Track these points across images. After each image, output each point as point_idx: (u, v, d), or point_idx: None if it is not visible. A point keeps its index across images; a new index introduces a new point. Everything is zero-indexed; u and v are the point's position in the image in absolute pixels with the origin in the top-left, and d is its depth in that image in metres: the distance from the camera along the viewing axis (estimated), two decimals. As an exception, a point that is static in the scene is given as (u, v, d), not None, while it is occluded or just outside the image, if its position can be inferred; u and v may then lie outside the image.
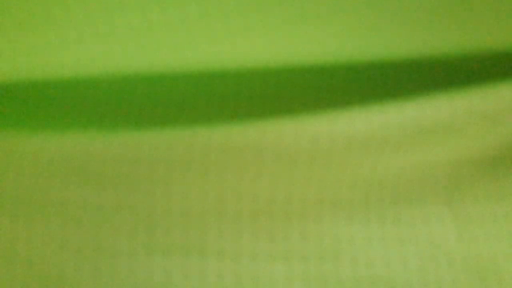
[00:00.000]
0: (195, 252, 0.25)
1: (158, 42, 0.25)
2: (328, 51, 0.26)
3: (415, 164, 0.27)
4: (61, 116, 0.28)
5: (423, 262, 0.26)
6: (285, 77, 0.29)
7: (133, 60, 0.26)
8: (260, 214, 0.26)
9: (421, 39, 0.26)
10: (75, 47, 0.25)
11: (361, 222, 0.26)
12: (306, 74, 0.29)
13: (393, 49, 0.26)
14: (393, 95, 0.26)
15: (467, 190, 0.27)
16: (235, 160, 0.25)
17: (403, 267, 0.26)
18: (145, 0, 0.25)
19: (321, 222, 0.26)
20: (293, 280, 0.25)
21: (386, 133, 0.25)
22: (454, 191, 0.27)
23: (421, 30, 0.26)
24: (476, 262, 0.26)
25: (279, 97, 0.28)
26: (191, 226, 0.26)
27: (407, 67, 0.28)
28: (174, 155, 0.25)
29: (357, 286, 0.25)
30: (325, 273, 0.26)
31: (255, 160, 0.25)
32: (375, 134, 0.25)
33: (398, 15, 0.25)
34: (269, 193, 0.26)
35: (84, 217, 0.25)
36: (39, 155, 0.25)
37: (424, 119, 0.25)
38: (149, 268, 0.25)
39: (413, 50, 0.27)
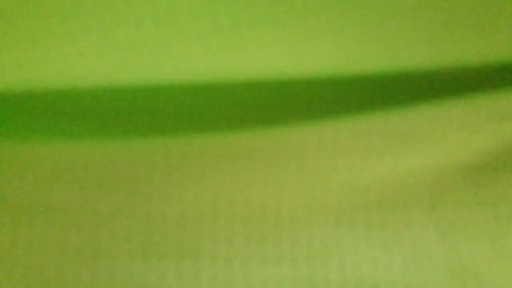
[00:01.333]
0: (190, 255, 0.26)
1: (154, 55, 0.26)
2: (318, 65, 0.27)
3: (399, 171, 0.27)
4: (61, 126, 0.28)
5: (407, 265, 0.26)
6: (277, 89, 0.29)
7: (130, 72, 0.26)
8: (252, 219, 0.26)
9: (407, 53, 0.27)
10: (74, 59, 0.25)
11: (348, 226, 0.27)
12: (297, 86, 0.29)
13: (380, 63, 0.27)
14: (379, 106, 0.27)
15: (450, 196, 0.27)
16: (228, 167, 0.26)
17: (387, 270, 0.26)
18: (141, 15, 0.25)
19: (310, 227, 0.27)
20: (283, 283, 0.26)
21: (371, 141, 0.26)
22: (437, 197, 0.27)
23: (406, 44, 0.26)
24: (457, 265, 0.26)
25: (270, 107, 0.29)
26: (186, 230, 0.26)
27: (392, 80, 0.29)
28: (170, 162, 0.26)
29: None
30: (314, 276, 0.26)
31: (247, 167, 0.26)
32: (360, 143, 0.26)
33: (384, 31, 0.26)
34: (260, 199, 0.27)
35: (83, 222, 0.26)
36: (41, 162, 0.26)
37: (407, 128, 0.26)
38: (145, 271, 0.25)
39: (398, 64, 0.27)
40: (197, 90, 0.29)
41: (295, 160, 0.26)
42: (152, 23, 0.25)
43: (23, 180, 0.26)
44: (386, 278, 0.26)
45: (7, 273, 0.25)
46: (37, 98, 0.28)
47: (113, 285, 0.25)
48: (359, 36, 0.26)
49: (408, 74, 0.28)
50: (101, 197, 0.26)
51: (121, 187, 0.26)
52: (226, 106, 0.29)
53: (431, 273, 0.26)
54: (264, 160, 0.26)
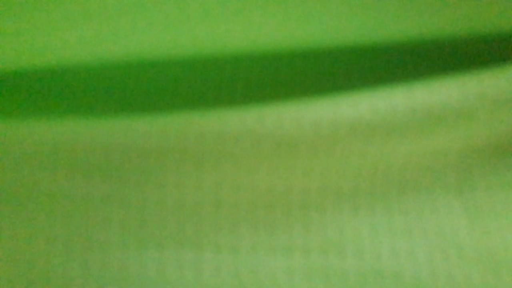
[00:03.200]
0: (190, 245, 0.25)
1: (151, 25, 0.25)
2: (330, 33, 0.26)
3: (423, 151, 0.26)
4: (46, 104, 0.27)
5: (433, 255, 0.25)
6: (285, 60, 0.28)
7: (124, 44, 0.25)
8: (259, 205, 0.26)
9: (428, 20, 0.26)
10: (62, 29, 0.24)
11: (367, 212, 0.26)
12: (307, 58, 0.28)
13: (397, 31, 0.26)
14: (399, 79, 0.26)
15: (479, 178, 0.27)
16: (232, 148, 0.25)
17: (411, 260, 0.25)
18: None
19: (324, 213, 0.26)
20: (294, 274, 0.25)
21: (393, 118, 0.25)
22: (464, 180, 0.27)
23: (428, 10, 0.25)
24: (489, 254, 0.25)
25: (278, 81, 0.28)
26: (186, 218, 0.25)
27: (413, 50, 0.28)
28: (167, 143, 0.25)
29: (362, 280, 0.25)
30: (328, 267, 0.25)
31: (254, 148, 0.25)
32: (381, 120, 0.25)
33: None
34: (268, 183, 0.26)
35: (72, 210, 0.25)
36: (23, 145, 0.25)
37: (434, 103, 0.25)
38: (142, 263, 0.25)
39: (419, 32, 0.26)
40: (196, 63, 0.28)
41: (307, 140, 0.25)
42: None
43: (2, 165, 0.25)
44: (409, 268, 0.25)
45: None
46: (21, 75, 0.27)
47: (106, 279, 0.24)
48: (376, 1, 0.25)
49: (428, 44, 0.28)
50: (91, 182, 0.25)
51: (113, 171, 0.25)
52: (230, 81, 0.28)
53: (460, 263, 0.25)
54: (272, 139, 0.25)
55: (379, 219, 0.26)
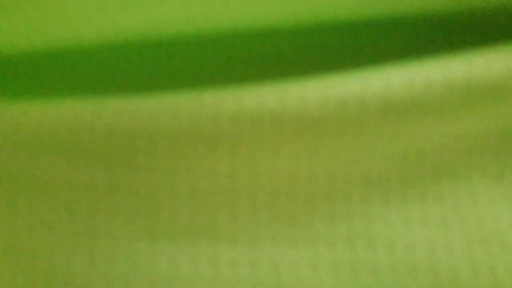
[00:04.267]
0: (205, 237, 0.25)
1: (155, 2, 0.25)
2: (340, 7, 0.26)
3: (461, 133, 0.25)
4: (48, 87, 0.27)
5: (472, 247, 0.24)
6: (304, 36, 0.28)
7: (129, 23, 0.25)
8: (280, 193, 0.25)
9: None
10: (64, 9, 0.25)
11: (398, 201, 0.25)
12: (326, 32, 0.28)
13: (408, 4, 0.26)
14: (420, 53, 0.26)
15: None
16: (250, 130, 0.24)
17: (448, 252, 0.24)
18: None
19: (351, 202, 0.25)
20: (318, 267, 0.24)
21: (428, 95, 0.24)
22: (506, 164, 0.26)
23: None
24: None
25: (295, 58, 0.28)
26: (200, 207, 0.25)
27: (434, 22, 0.28)
28: (177, 124, 0.24)
29: (394, 275, 0.24)
30: (356, 260, 0.24)
31: (274, 130, 0.24)
32: (415, 97, 0.24)
33: None
34: (290, 169, 0.25)
35: (75, 199, 0.25)
36: (19, 129, 0.25)
37: (473, 79, 0.24)
38: (152, 256, 0.24)
39: (435, 4, 0.26)
40: (203, 41, 0.28)
41: (332, 121, 0.24)
42: None
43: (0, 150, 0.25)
44: (446, 261, 0.24)
45: None
46: (20, 57, 0.27)
47: (113, 273, 0.24)
48: None
49: (449, 16, 0.27)
50: (95, 168, 0.25)
51: (119, 157, 0.25)
52: (243, 59, 0.28)
53: (503, 255, 0.24)
54: (294, 121, 0.24)
55: (412, 208, 0.25)
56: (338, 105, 0.24)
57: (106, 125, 0.24)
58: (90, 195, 0.25)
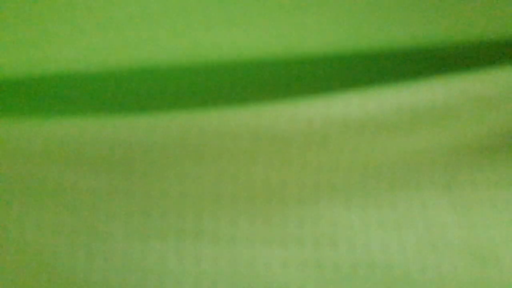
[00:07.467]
0: (191, 236, 0.25)
1: (155, 33, 0.25)
2: (323, 40, 0.26)
3: (412, 149, 0.26)
4: (55, 106, 0.28)
5: (422, 248, 0.25)
6: (282, 66, 0.28)
7: (129, 51, 0.25)
8: (256, 198, 0.26)
9: (416, 27, 0.26)
10: (72, 38, 0.25)
11: (359, 206, 0.26)
12: (302, 64, 0.29)
13: (388, 38, 0.26)
14: (389, 83, 0.26)
15: (466, 175, 0.27)
16: (231, 143, 0.25)
17: (401, 253, 0.25)
18: None
19: (318, 206, 0.26)
20: (289, 265, 0.25)
21: (382, 117, 0.25)
22: (452, 177, 0.27)
23: (416, 18, 0.25)
24: (475, 247, 0.25)
25: (275, 86, 0.28)
26: (187, 210, 0.25)
27: (403, 56, 0.28)
28: (169, 138, 0.25)
29: (354, 272, 0.25)
30: (322, 258, 0.25)
31: (251, 144, 0.25)
32: (371, 118, 0.25)
33: (392, 2, 0.25)
34: (264, 177, 0.26)
35: (78, 202, 0.25)
36: (32, 141, 0.25)
37: (420, 103, 0.25)
38: (144, 252, 0.25)
39: (408, 38, 0.26)
40: (197, 69, 0.28)
41: (301, 137, 0.25)
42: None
43: (13, 159, 0.25)
44: (399, 259, 0.25)
45: None
46: (31, 80, 0.28)
47: (110, 267, 0.25)
48: (366, 10, 0.25)
49: (417, 50, 0.28)
50: (97, 175, 0.25)
51: (118, 165, 0.25)
52: (229, 87, 0.28)
53: (448, 255, 0.25)
54: (268, 136, 0.25)
55: (371, 213, 0.26)
56: (305, 123, 0.25)
57: (107, 139, 0.25)
58: (91, 198, 0.25)
